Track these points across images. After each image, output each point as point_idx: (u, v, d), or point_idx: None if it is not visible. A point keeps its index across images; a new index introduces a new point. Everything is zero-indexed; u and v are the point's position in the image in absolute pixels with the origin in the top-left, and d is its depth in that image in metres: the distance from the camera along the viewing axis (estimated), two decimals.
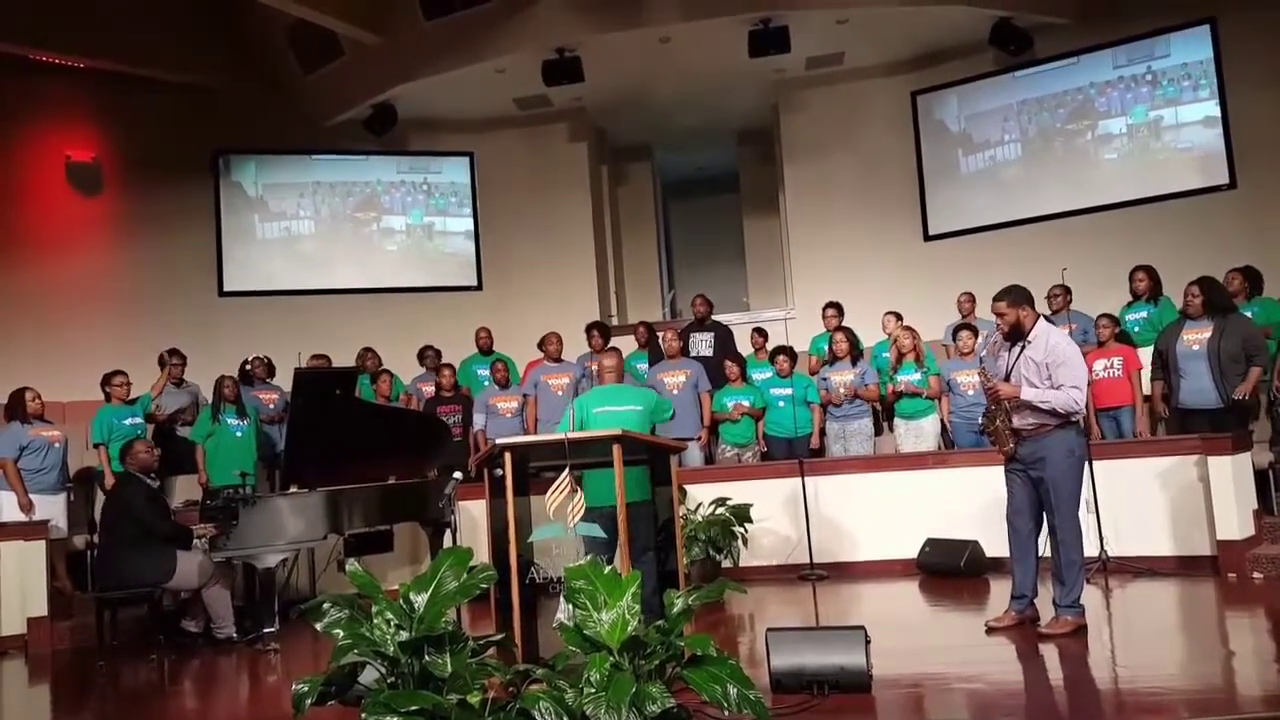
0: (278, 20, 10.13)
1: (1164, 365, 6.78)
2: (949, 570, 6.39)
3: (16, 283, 10.13)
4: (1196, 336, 6.58)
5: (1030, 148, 10.33)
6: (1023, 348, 4.74)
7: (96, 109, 10.67)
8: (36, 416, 7.18)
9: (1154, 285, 7.70)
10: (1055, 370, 4.60)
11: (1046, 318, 7.25)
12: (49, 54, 10.10)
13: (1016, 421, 4.73)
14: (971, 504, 6.65)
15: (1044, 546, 6.35)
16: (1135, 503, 6.32)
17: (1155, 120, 9.74)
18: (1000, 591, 6.09)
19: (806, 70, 10.81)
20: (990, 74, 10.45)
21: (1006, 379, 4.75)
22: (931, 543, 6.61)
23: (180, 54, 10.53)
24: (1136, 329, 7.56)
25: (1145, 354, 7.11)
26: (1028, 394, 4.62)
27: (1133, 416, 7.07)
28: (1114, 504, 6.27)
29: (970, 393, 7.37)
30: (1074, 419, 4.67)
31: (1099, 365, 7.12)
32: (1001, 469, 6.70)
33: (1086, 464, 4.97)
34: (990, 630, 4.74)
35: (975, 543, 6.53)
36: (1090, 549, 6.19)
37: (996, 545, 6.53)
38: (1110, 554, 6.14)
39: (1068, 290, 7.73)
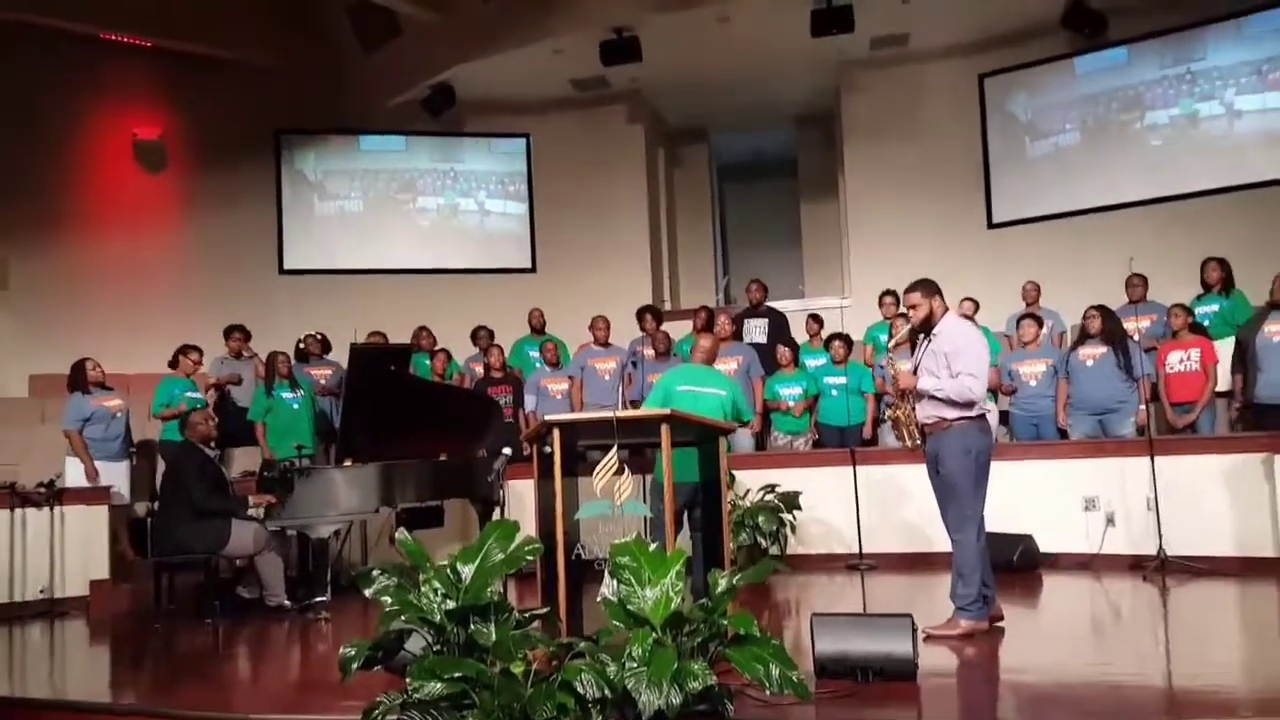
0: None
1: (1243, 358, 6.56)
2: (1002, 564, 6.24)
3: (84, 256, 10.42)
4: (1279, 328, 6.35)
5: (1093, 136, 10.04)
6: (929, 340, 4.64)
7: (162, 88, 10.90)
8: (97, 385, 7.36)
9: (1226, 277, 7.47)
10: (952, 359, 4.48)
11: (1108, 310, 7.15)
12: (117, 34, 10.33)
13: (919, 415, 4.62)
14: (1027, 498, 6.54)
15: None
16: (1198, 501, 6.14)
17: (1204, 113, 9.48)
18: (1054, 585, 6.01)
19: (870, 51, 10.61)
20: (1061, 56, 10.17)
21: (915, 372, 4.64)
22: (985, 536, 6.47)
23: (244, 33, 10.71)
24: (1207, 322, 7.32)
25: (1215, 348, 6.90)
26: (924, 384, 4.53)
27: (1210, 412, 6.85)
28: (1175, 501, 6.10)
29: (1033, 383, 7.23)
30: (974, 412, 4.50)
31: (1174, 358, 6.91)
32: (1057, 463, 6.66)
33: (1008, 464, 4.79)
34: (928, 638, 4.33)
35: (1029, 537, 6.41)
36: (1150, 547, 6.08)
37: (1051, 540, 6.46)
38: (1169, 552, 5.98)
39: (1145, 280, 7.52)
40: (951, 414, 4.51)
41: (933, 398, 4.54)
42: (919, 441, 4.69)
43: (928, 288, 4.67)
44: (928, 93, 10.76)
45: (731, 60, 10.68)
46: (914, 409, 4.66)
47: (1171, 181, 9.58)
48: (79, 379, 7.33)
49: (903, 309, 4.81)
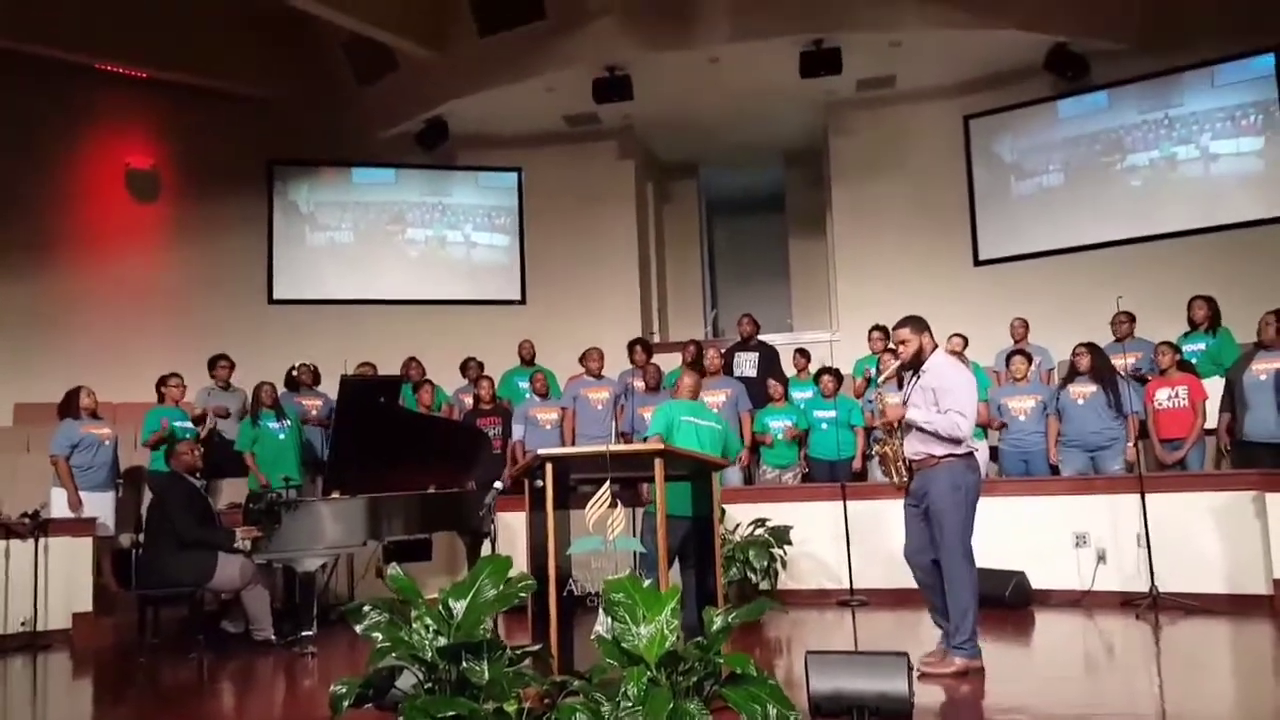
0: (335, 33, 10.30)
1: (1231, 396, 6.62)
2: (994, 600, 6.23)
3: (73, 284, 10.36)
4: (1266, 366, 6.42)
5: (1077, 177, 10.19)
6: (918, 376, 4.66)
7: (156, 118, 10.90)
8: (90, 413, 7.31)
9: (1213, 316, 7.54)
10: (940, 395, 4.51)
11: (1096, 347, 7.20)
12: (114, 64, 10.37)
13: (906, 451, 4.62)
14: (1019, 533, 6.55)
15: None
16: (1189, 538, 6.16)
17: (1182, 156, 9.70)
18: (1046, 622, 6.00)
19: (857, 92, 10.75)
20: (1045, 99, 10.33)
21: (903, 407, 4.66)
22: (976, 572, 6.47)
23: (239, 65, 10.76)
24: (1193, 360, 7.38)
25: (1204, 385, 6.95)
26: (913, 415, 4.54)
27: (1200, 449, 6.86)
28: (1166, 538, 6.12)
29: (1022, 418, 7.26)
30: (962, 450, 4.51)
31: (1162, 394, 6.93)
32: (1048, 499, 6.68)
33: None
34: (923, 675, 4.36)
35: (1021, 573, 6.41)
36: (1141, 584, 6.08)
37: (1043, 576, 6.46)
38: (1161, 589, 5.98)
39: (1132, 318, 7.58)
40: (940, 450, 4.51)
41: (921, 432, 4.54)
42: (905, 478, 4.68)
43: (917, 324, 4.69)
44: (914, 133, 10.89)
45: (722, 99, 10.80)
46: (901, 445, 4.66)
47: (1154, 221, 9.73)
48: (72, 406, 7.26)
49: (891, 344, 4.83)
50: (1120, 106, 10.00)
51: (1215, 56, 9.49)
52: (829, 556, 7.03)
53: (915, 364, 4.68)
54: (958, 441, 4.49)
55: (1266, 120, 9.32)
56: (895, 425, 4.65)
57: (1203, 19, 9.45)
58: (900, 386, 4.92)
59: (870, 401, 7.85)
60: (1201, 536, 6.16)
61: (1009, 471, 7.31)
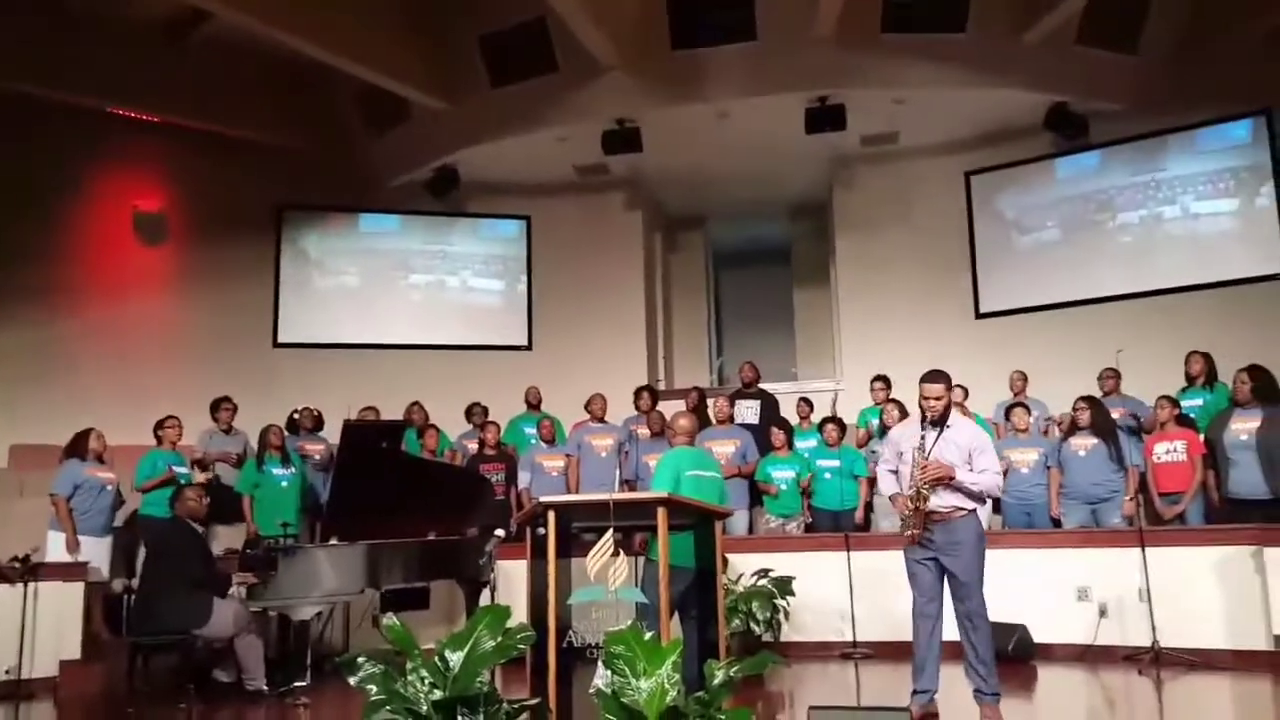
0: (348, 82, 10.40)
1: (1213, 454, 6.65)
2: (997, 654, 6.12)
3: (77, 326, 10.25)
4: (1245, 426, 6.48)
5: (1075, 234, 10.27)
6: (940, 432, 4.68)
7: (165, 162, 10.92)
8: (96, 457, 7.26)
9: (1210, 371, 7.56)
10: (977, 455, 4.61)
11: (1097, 401, 7.21)
12: (124, 109, 10.41)
13: (933, 503, 4.62)
14: (1021, 586, 6.50)
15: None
16: (1189, 593, 6.13)
17: (1169, 215, 9.84)
18: (1049, 677, 5.93)
19: (862, 147, 10.86)
20: (1044, 157, 10.44)
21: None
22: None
23: (250, 112, 10.75)
24: (1191, 415, 7.38)
25: (1201, 440, 6.95)
26: (964, 475, 4.56)
27: (1199, 503, 6.84)
28: (1167, 594, 6.09)
29: (1025, 471, 7.24)
30: (982, 504, 4.65)
31: (1160, 449, 6.95)
32: (1050, 552, 6.63)
33: None
34: None
35: (1023, 627, 6.35)
36: (1143, 638, 6.02)
37: (1045, 630, 6.39)
38: (1162, 645, 5.93)
39: (1118, 374, 7.61)
40: (969, 504, 4.62)
41: (960, 489, 4.58)
42: (920, 532, 4.64)
43: (948, 379, 4.74)
44: (917, 187, 10.98)
45: (729, 153, 10.87)
46: (927, 500, 4.65)
47: (1146, 278, 9.79)
48: (79, 447, 7.22)
49: (927, 398, 4.75)
50: (1111, 167, 10.12)
51: (1208, 118, 9.59)
52: (832, 608, 6.96)
53: (942, 419, 4.67)
54: (987, 498, 4.58)
55: (1238, 184, 9.45)
56: (935, 482, 4.60)
57: (1201, 83, 9.48)
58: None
59: (874, 451, 7.83)
60: (1202, 591, 6.12)
61: (1012, 524, 7.28)
